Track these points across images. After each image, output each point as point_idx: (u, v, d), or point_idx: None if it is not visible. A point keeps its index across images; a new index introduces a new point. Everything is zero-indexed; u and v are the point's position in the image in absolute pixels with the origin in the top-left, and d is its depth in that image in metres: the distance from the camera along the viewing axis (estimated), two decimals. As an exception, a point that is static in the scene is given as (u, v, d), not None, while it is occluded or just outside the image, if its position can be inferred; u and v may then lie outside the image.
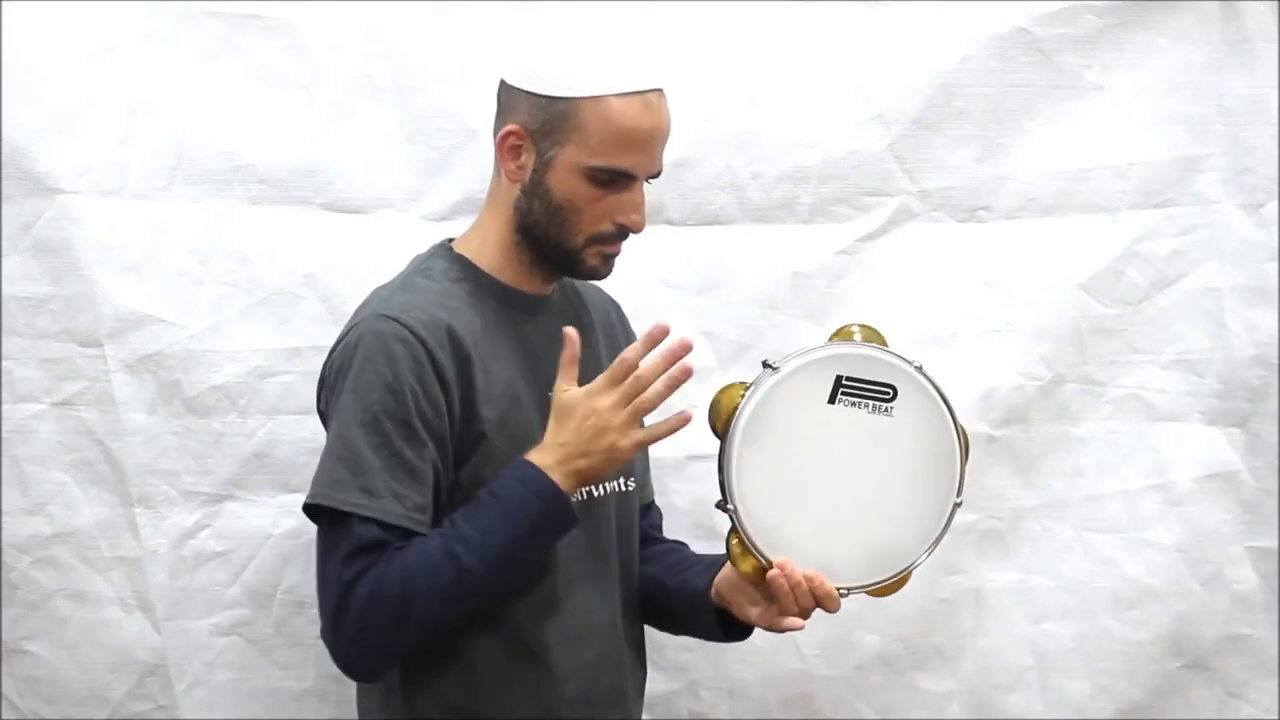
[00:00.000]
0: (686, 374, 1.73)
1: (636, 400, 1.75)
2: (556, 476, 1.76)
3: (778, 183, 2.35)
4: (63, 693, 2.27)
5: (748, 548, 1.82)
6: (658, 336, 1.73)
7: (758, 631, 1.94)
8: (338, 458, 1.77)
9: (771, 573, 1.80)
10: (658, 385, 1.74)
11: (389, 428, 1.75)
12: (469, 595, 1.76)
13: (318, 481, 1.79)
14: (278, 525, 2.26)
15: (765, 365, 1.85)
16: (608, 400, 1.75)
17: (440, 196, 2.31)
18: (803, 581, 1.80)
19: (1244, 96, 2.39)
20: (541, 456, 1.77)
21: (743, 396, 1.81)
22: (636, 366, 1.75)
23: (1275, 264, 2.40)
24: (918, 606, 2.35)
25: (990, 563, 2.40)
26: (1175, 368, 2.42)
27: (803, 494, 1.82)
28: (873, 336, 1.88)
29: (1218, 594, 2.42)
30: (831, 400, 1.82)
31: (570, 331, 1.78)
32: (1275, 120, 2.38)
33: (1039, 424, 2.39)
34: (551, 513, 1.77)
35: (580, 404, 1.76)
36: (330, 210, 2.28)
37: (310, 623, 2.28)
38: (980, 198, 2.39)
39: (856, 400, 1.82)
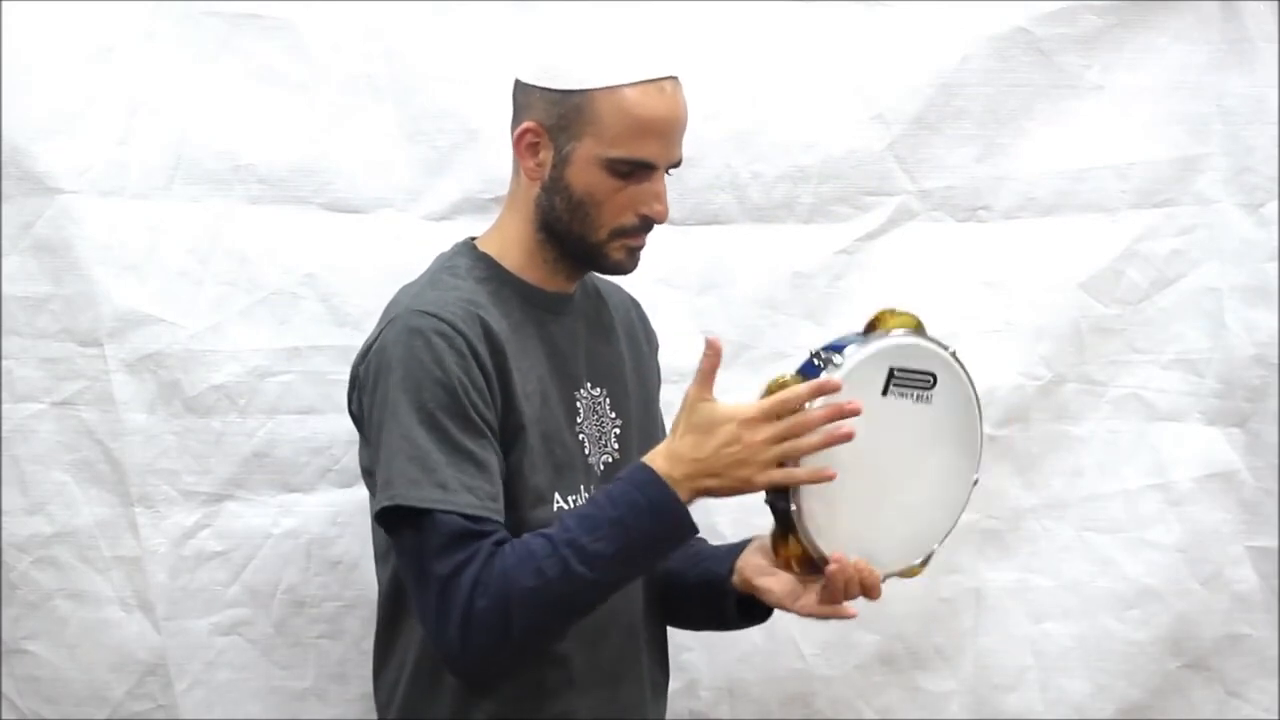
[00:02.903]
0: (847, 438, 1.69)
1: (790, 444, 1.69)
2: (681, 490, 1.70)
3: (778, 183, 2.35)
4: (63, 693, 2.26)
5: (799, 540, 1.80)
6: (829, 389, 1.68)
7: (758, 631, 1.95)
8: (407, 457, 1.74)
9: (832, 567, 1.77)
10: (814, 438, 1.68)
11: (446, 422, 1.73)
12: (574, 601, 1.73)
13: (391, 484, 1.74)
14: (278, 525, 2.26)
15: (814, 355, 1.81)
16: (761, 434, 1.68)
17: (440, 196, 2.31)
18: (855, 574, 1.78)
19: (1244, 96, 2.39)
20: (669, 466, 1.71)
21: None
22: (799, 409, 1.69)
23: (1275, 264, 2.40)
24: (918, 606, 2.35)
25: (990, 563, 2.40)
26: (1175, 368, 2.42)
27: (852, 485, 1.78)
28: (910, 321, 1.86)
29: (1218, 594, 2.42)
30: (884, 392, 1.80)
31: (714, 340, 1.70)
32: (1275, 120, 2.38)
33: (1039, 424, 2.40)
34: (670, 526, 1.72)
35: (725, 425, 1.69)
36: (330, 210, 2.28)
37: (310, 623, 2.28)
38: (980, 197, 2.39)
39: (904, 390, 1.81)
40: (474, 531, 1.72)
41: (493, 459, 1.76)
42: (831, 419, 1.69)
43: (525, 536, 1.73)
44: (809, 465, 1.71)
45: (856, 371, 1.79)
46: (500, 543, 1.73)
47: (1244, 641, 2.44)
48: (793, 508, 1.79)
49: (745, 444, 1.69)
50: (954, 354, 1.84)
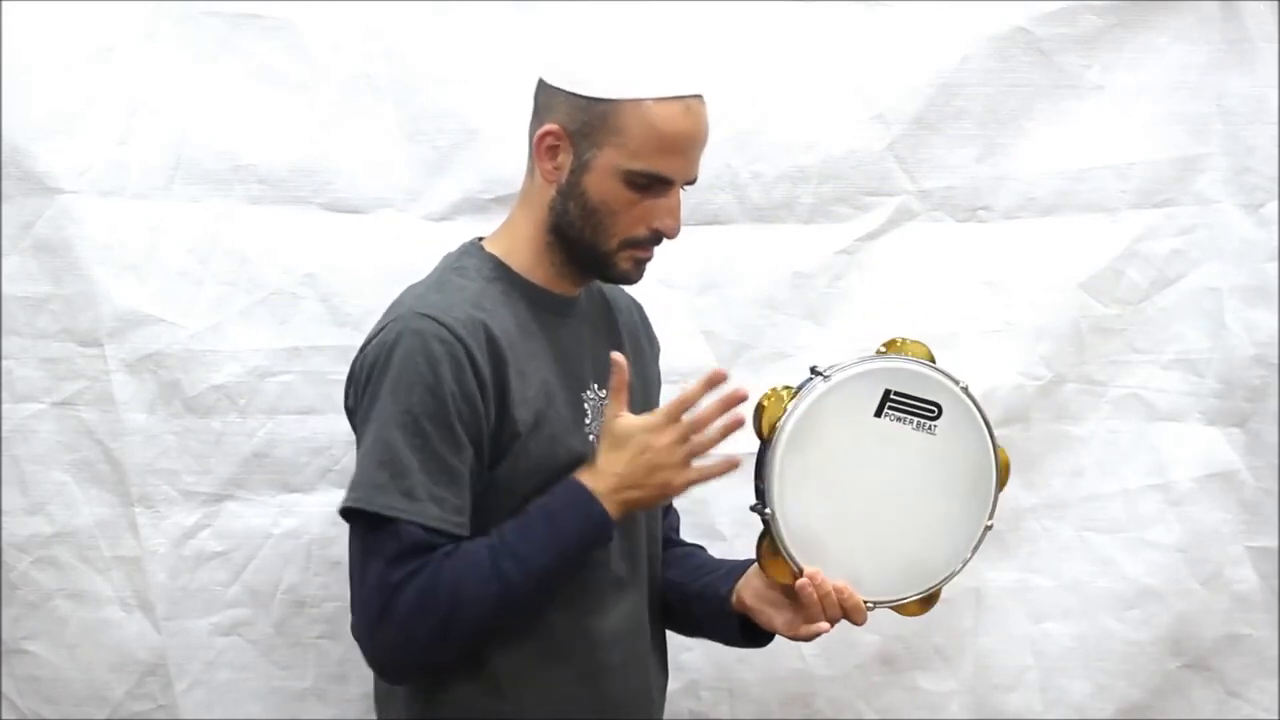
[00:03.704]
0: (740, 423, 1.75)
1: (692, 441, 1.77)
2: (607, 504, 1.77)
3: (778, 183, 2.35)
4: (63, 693, 2.27)
5: (780, 553, 1.82)
6: (716, 380, 1.75)
7: (758, 631, 1.95)
8: (379, 461, 1.75)
9: (800, 581, 1.80)
10: (713, 432, 1.76)
11: (429, 430, 1.74)
12: (511, 609, 1.77)
13: (358, 485, 1.76)
14: (278, 525, 2.26)
15: (814, 372, 1.84)
16: (665, 438, 1.76)
17: (440, 196, 2.31)
18: (832, 592, 1.80)
19: (1244, 96, 2.39)
20: (594, 481, 1.78)
21: (790, 401, 1.81)
22: (692, 405, 1.76)
23: (1275, 264, 2.40)
24: (918, 606, 2.35)
25: (990, 563, 2.39)
26: (1175, 368, 2.42)
27: (840, 504, 1.81)
28: (921, 352, 1.88)
29: (1218, 594, 2.42)
30: (878, 414, 1.82)
31: (618, 357, 1.79)
32: (1275, 120, 2.38)
33: (1039, 424, 2.40)
34: (597, 538, 1.80)
35: (636, 436, 1.77)
36: (330, 210, 2.28)
37: (310, 623, 2.28)
38: (980, 197, 2.39)
39: (902, 416, 1.83)
40: (430, 544, 1.74)
41: (466, 473, 1.77)
42: (723, 410, 1.75)
43: (467, 544, 1.76)
44: (718, 458, 1.77)
45: (846, 386, 1.81)
46: (450, 555, 1.75)
47: (1244, 641, 2.44)
48: (767, 511, 1.80)
49: (654, 449, 1.77)
50: (965, 389, 1.85)
